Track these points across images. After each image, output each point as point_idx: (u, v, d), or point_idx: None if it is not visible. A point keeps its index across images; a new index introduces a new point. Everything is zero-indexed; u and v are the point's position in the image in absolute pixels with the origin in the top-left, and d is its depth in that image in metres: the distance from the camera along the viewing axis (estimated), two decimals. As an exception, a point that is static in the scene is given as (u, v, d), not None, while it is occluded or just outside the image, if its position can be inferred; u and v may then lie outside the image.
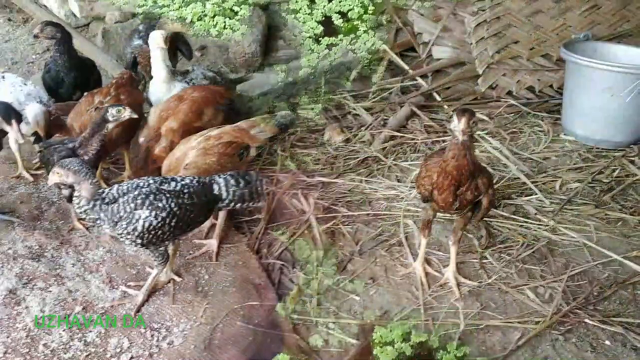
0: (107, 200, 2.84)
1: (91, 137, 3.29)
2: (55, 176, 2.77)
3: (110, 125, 3.28)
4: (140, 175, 3.29)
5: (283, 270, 3.43)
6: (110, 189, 2.90)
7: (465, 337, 2.97)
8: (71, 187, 2.84)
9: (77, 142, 3.34)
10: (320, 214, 3.81)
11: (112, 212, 2.82)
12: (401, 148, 4.65)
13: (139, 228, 2.81)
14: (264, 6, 6.56)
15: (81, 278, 3.26)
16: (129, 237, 2.84)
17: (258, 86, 5.08)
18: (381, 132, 4.78)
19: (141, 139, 3.65)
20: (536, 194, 4.03)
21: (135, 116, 3.37)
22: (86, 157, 3.26)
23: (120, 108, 3.28)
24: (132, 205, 2.82)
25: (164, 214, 2.84)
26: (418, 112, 5.06)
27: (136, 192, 2.86)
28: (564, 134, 4.89)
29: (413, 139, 4.75)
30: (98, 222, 2.87)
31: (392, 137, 4.75)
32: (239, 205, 3.13)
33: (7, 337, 2.88)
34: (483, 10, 5.34)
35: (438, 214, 3.33)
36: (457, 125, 2.78)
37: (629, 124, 4.64)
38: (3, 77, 3.94)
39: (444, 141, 4.70)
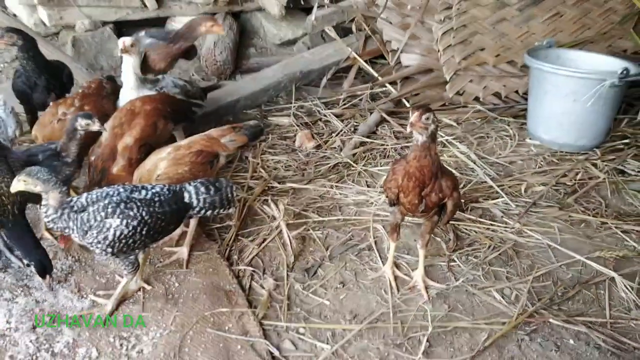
0: (75, 208, 2.82)
1: (69, 142, 3.31)
2: (21, 184, 2.74)
3: (81, 132, 3.28)
4: None
5: (254, 276, 3.44)
6: (79, 198, 2.88)
7: (433, 339, 3.01)
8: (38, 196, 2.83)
9: (59, 146, 3.36)
10: (291, 219, 3.83)
11: (81, 221, 2.80)
12: (371, 154, 4.70)
13: (110, 237, 2.79)
14: (236, 14, 6.60)
15: (49, 289, 3.21)
16: (99, 245, 2.82)
17: (229, 94, 5.08)
18: (351, 138, 4.83)
19: (92, 157, 3.52)
20: (502, 197, 4.12)
21: (104, 129, 3.36)
22: (69, 160, 3.34)
23: (89, 121, 3.24)
24: (103, 213, 2.81)
25: (134, 223, 2.82)
26: (387, 118, 5.13)
27: (106, 201, 2.84)
28: (529, 139, 5.00)
29: (383, 145, 4.81)
30: (66, 231, 2.85)
31: (362, 143, 4.80)
32: (209, 212, 3.13)
33: (-28, 349, 2.84)
34: (450, 19, 5.43)
35: (406, 217, 3.38)
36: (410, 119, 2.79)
37: (592, 128, 4.77)
38: None
39: (413, 147, 4.76)
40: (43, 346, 2.88)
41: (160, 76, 4.20)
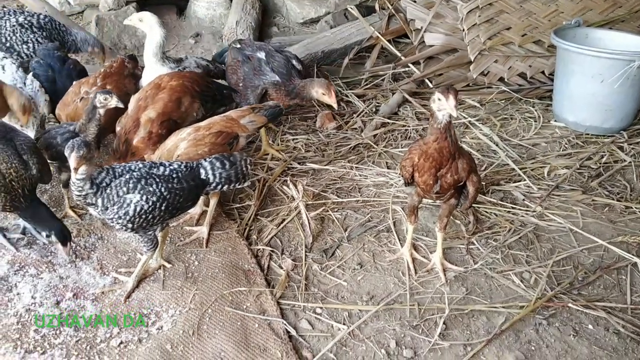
0: (102, 184, 2.87)
1: (88, 122, 3.36)
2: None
3: (100, 111, 3.32)
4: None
5: (272, 256, 3.46)
6: (100, 173, 2.90)
7: (449, 321, 3.01)
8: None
9: (77, 127, 3.41)
10: (310, 200, 3.84)
11: (105, 197, 2.85)
12: (392, 135, 4.67)
13: (130, 212, 2.84)
14: (258, -8, 6.57)
15: (72, 265, 3.30)
16: (119, 221, 2.87)
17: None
18: (373, 119, 4.80)
19: (118, 128, 3.60)
20: (524, 180, 4.06)
21: (121, 106, 3.40)
22: (87, 140, 3.32)
23: (107, 95, 3.31)
24: (125, 189, 2.85)
25: (154, 198, 2.87)
26: (410, 98, 5.08)
27: (127, 176, 2.88)
28: (555, 121, 4.91)
29: (404, 126, 4.77)
30: (92, 207, 2.89)
31: (384, 124, 4.77)
32: (226, 187, 3.16)
33: (-1, 323, 2.93)
34: (475, -3, 5.33)
35: (426, 200, 3.36)
36: (445, 102, 2.73)
37: (619, 110, 4.66)
38: (3, 67, 3.96)
39: (435, 128, 4.72)
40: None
41: (183, 56, 4.22)
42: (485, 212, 3.79)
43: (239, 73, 4.13)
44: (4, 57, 4.03)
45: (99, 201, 2.84)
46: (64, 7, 6.19)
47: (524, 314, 3.03)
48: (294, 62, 4.08)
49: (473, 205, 3.62)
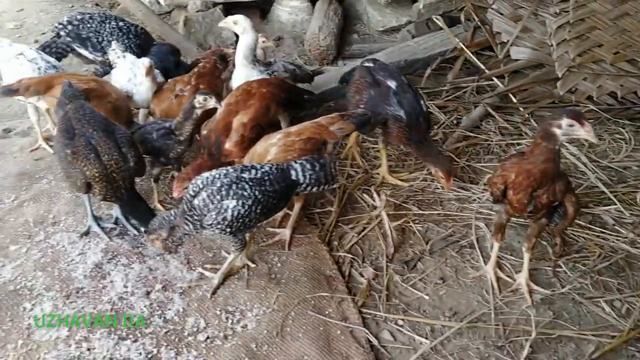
0: (192, 193, 2.96)
1: (184, 121, 3.47)
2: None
3: (198, 112, 3.42)
4: (205, 168, 3.35)
5: (353, 264, 3.48)
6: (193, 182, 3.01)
7: (536, 345, 2.94)
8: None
9: (173, 125, 3.53)
10: (391, 210, 3.82)
11: (199, 207, 2.92)
12: (474, 149, 4.59)
13: (228, 217, 2.90)
14: (341, -1, 6.61)
15: (161, 257, 3.41)
16: (219, 226, 2.93)
17: (334, 80, 5.10)
18: (454, 132, 4.73)
19: (204, 132, 3.65)
20: (615, 204, 3.91)
21: (220, 107, 3.49)
22: (182, 138, 3.54)
23: (207, 96, 3.41)
24: (219, 196, 2.91)
25: (249, 202, 2.92)
26: (493, 112, 4.98)
27: (218, 184, 2.94)
28: (647, 144, 4.71)
29: (487, 141, 4.68)
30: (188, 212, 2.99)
31: (466, 137, 4.70)
32: (315, 188, 3.19)
33: (94, 308, 3.06)
34: (566, 12, 5.18)
35: (512, 218, 3.29)
36: (581, 129, 2.69)
37: None
38: (124, 56, 4.15)
39: (518, 144, 4.63)
40: (156, 312, 3.06)
41: (272, 59, 4.29)
42: (573, 234, 3.67)
43: (363, 95, 3.87)
44: (124, 50, 4.20)
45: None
46: (154, 7, 6.40)
47: (616, 344, 2.93)
48: (422, 102, 3.84)
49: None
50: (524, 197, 2.93)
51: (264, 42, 4.47)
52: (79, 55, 4.60)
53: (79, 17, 4.52)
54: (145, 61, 3.95)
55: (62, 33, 4.53)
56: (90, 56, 4.48)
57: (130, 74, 4.01)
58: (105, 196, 3.27)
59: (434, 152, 3.83)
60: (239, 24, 4.04)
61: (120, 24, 4.50)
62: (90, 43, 4.44)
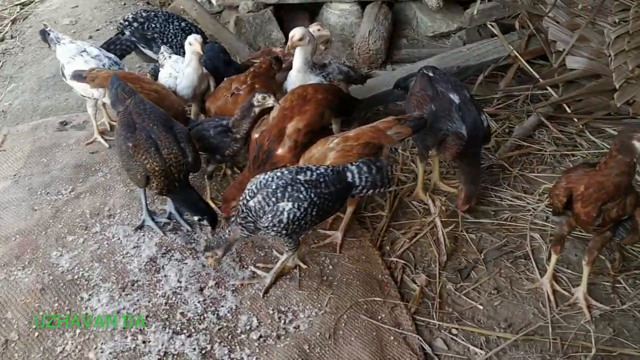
0: (247, 198, 2.96)
1: (242, 119, 3.49)
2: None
3: (256, 110, 3.44)
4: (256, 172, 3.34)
5: (405, 269, 3.44)
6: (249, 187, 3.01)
7: (596, 362, 2.86)
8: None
9: (230, 122, 3.56)
10: (443, 217, 3.77)
11: (254, 209, 2.93)
12: (527, 158, 4.50)
13: (284, 220, 2.89)
14: (391, 3, 6.58)
15: (214, 254, 3.42)
16: (274, 229, 2.93)
17: (384, 84, 5.07)
18: (507, 140, 4.66)
19: (255, 135, 3.62)
20: (677, 220, 3.78)
21: (278, 105, 3.50)
22: (238, 136, 3.56)
23: (265, 95, 3.42)
24: (274, 198, 2.91)
25: (305, 204, 2.91)
26: (546, 122, 4.89)
27: (274, 186, 2.93)
28: None
29: (540, 150, 4.59)
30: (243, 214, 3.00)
31: (518, 147, 4.61)
32: (370, 191, 3.16)
33: (149, 301, 3.09)
34: (626, 21, 5.04)
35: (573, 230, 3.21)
36: None
37: None
38: (170, 56, 4.22)
39: (573, 155, 4.53)
40: (209, 308, 3.07)
41: (327, 61, 4.28)
42: (632, 249, 3.56)
43: (424, 109, 3.69)
44: (171, 52, 4.27)
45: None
46: (205, 6, 6.47)
47: (681, 365, 2.82)
48: (483, 117, 3.70)
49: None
50: (593, 210, 2.86)
51: (319, 30, 4.44)
52: (141, 53, 4.68)
53: (144, 14, 4.60)
54: (198, 37, 3.98)
55: (126, 31, 4.61)
56: (154, 56, 4.55)
57: (171, 70, 4.09)
58: (162, 190, 3.30)
59: (474, 173, 3.75)
60: (304, 39, 3.96)
61: (183, 24, 4.57)
62: (155, 44, 4.52)
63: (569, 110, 5.10)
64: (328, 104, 3.76)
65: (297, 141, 3.54)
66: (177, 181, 3.31)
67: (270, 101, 3.42)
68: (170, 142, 3.26)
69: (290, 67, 4.15)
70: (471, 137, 3.59)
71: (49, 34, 4.25)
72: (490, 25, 5.80)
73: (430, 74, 3.86)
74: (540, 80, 5.31)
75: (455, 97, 3.68)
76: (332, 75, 4.17)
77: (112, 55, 4.20)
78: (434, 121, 3.61)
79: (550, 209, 3.29)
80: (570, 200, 2.95)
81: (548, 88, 5.28)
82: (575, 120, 4.98)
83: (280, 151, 3.56)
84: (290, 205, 2.89)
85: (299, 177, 2.99)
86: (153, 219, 3.58)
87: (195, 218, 3.36)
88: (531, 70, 5.41)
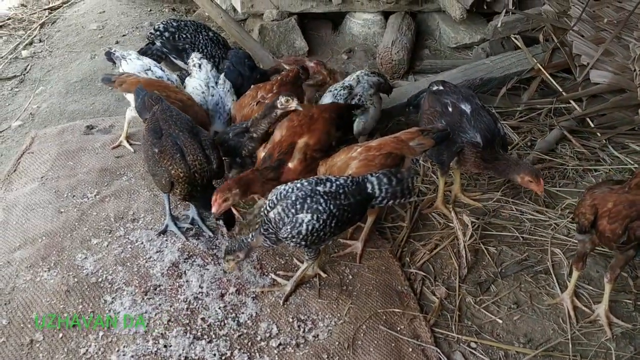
0: (268, 209, 3.00)
1: (262, 118, 3.54)
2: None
3: (278, 112, 3.47)
4: (268, 186, 3.37)
5: (424, 281, 3.44)
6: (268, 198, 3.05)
7: (617, 380, 2.84)
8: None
9: (250, 121, 3.61)
10: (464, 230, 3.77)
11: (274, 220, 2.97)
12: (549, 172, 4.48)
13: (303, 231, 2.91)
14: (414, 14, 6.60)
15: (235, 261, 3.45)
16: (294, 240, 2.96)
17: (407, 94, 5.08)
18: (529, 154, 4.64)
19: (262, 153, 3.59)
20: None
21: (300, 109, 3.53)
22: (255, 135, 3.58)
23: (289, 98, 3.46)
24: (293, 210, 2.93)
25: (324, 216, 2.93)
26: (569, 136, 4.86)
27: (293, 197, 2.96)
28: None
29: (562, 165, 4.56)
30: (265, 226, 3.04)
31: (540, 160, 4.59)
32: (391, 202, 3.17)
33: (170, 306, 3.13)
34: (652, 36, 5.01)
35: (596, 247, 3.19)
36: None
37: None
38: (200, 65, 4.29)
39: (596, 170, 4.50)
40: (230, 314, 3.11)
41: (352, 81, 4.32)
42: (655, 268, 3.53)
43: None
44: (202, 57, 4.34)
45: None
46: (230, 14, 6.55)
47: None
48: (499, 125, 3.69)
49: (644, 259, 3.41)
50: (619, 228, 2.84)
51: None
52: (172, 62, 4.76)
53: (174, 24, 4.68)
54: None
55: (157, 42, 4.70)
56: (185, 66, 4.62)
57: (200, 86, 4.17)
58: (185, 196, 3.36)
59: (513, 162, 3.66)
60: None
61: (211, 34, 4.65)
62: (186, 55, 4.60)
63: (592, 125, 5.07)
64: (333, 122, 3.77)
65: (306, 154, 3.54)
66: (201, 187, 3.36)
67: (293, 104, 3.45)
68: (195, 149, 3.31)
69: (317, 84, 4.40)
70: (487, 141, 3.57)
71: (114, 54, 4.41)
72: (514, 37, 5.79)
73: (440, 88, 3.89)
74: (564, 93, 5.29)
75: (466, 107, 3.69)
76: (363, 98, 4.19)
77: (174, 78, 4.28)
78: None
79: (574, 226, 3.27)
80: (595, 218, 2.94)
81: (571, 102, 5.26)
82: (599, 134, 4.95)
83: (291, 164, 3.57)
84: (309, 216, 2.91)
85: (318, 188, 3.01)
86: (176, 224, 3.63)
87: (219, 221, 3.42)
88: (554, 83, 5.39)
